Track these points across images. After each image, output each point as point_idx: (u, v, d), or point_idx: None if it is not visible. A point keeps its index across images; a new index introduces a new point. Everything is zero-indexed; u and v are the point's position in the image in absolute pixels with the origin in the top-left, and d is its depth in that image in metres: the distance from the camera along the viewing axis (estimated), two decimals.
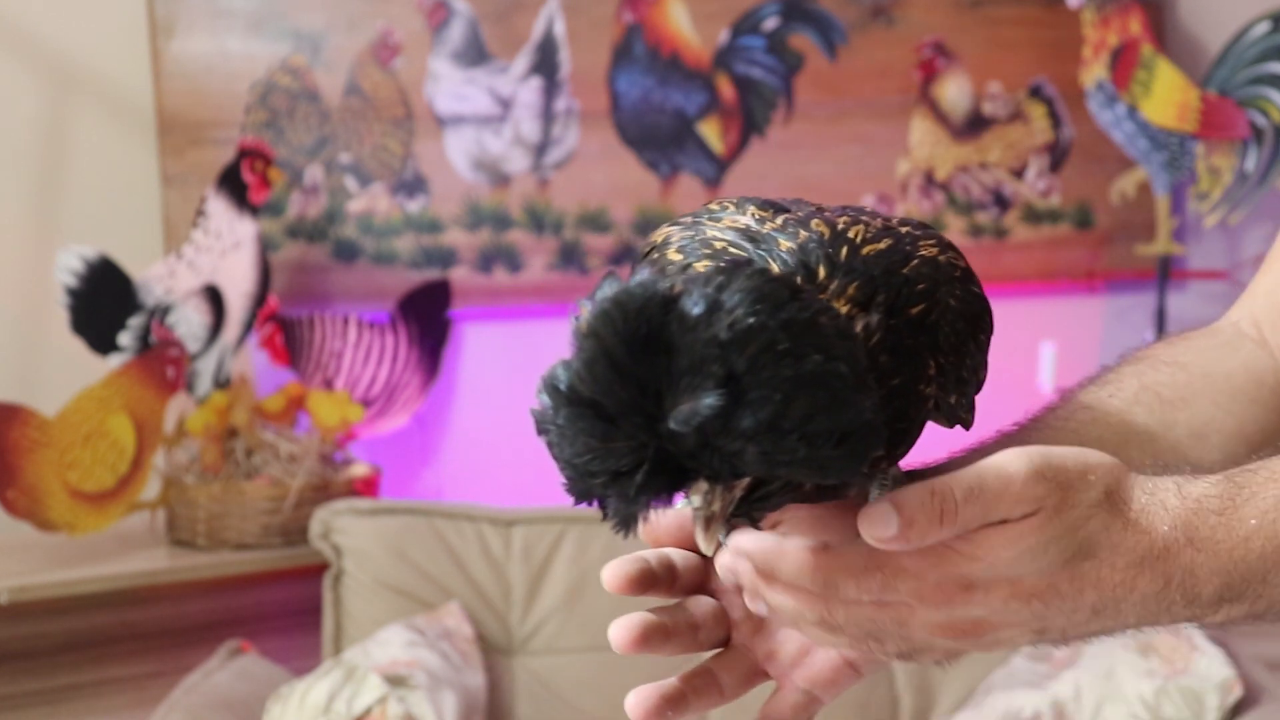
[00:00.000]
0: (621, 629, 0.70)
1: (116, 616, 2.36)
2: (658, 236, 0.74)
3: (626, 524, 0.63)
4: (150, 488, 2.49)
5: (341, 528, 2.40)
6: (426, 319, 2.76)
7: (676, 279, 0.60)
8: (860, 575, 0.65)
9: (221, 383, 2.52)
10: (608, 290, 0.60)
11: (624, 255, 2.86)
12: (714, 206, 0.73)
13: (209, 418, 2.47)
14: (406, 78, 2.80)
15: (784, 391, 0.58)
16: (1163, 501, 0.68)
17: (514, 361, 2.88)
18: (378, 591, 2.38)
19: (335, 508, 2.41)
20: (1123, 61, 2.82)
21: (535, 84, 2.83)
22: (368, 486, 2.58)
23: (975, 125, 2.96)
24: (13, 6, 2.66)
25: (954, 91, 2.94)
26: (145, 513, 2.52)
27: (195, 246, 2.53)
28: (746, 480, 0.61)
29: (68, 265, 2.42)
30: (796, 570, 0.65)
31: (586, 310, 0.60)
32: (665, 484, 0.60)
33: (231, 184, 2.52)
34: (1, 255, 2.65)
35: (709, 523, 0.62)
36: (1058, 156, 2.99)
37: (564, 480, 0.62)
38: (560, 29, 2.82)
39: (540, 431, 0.62)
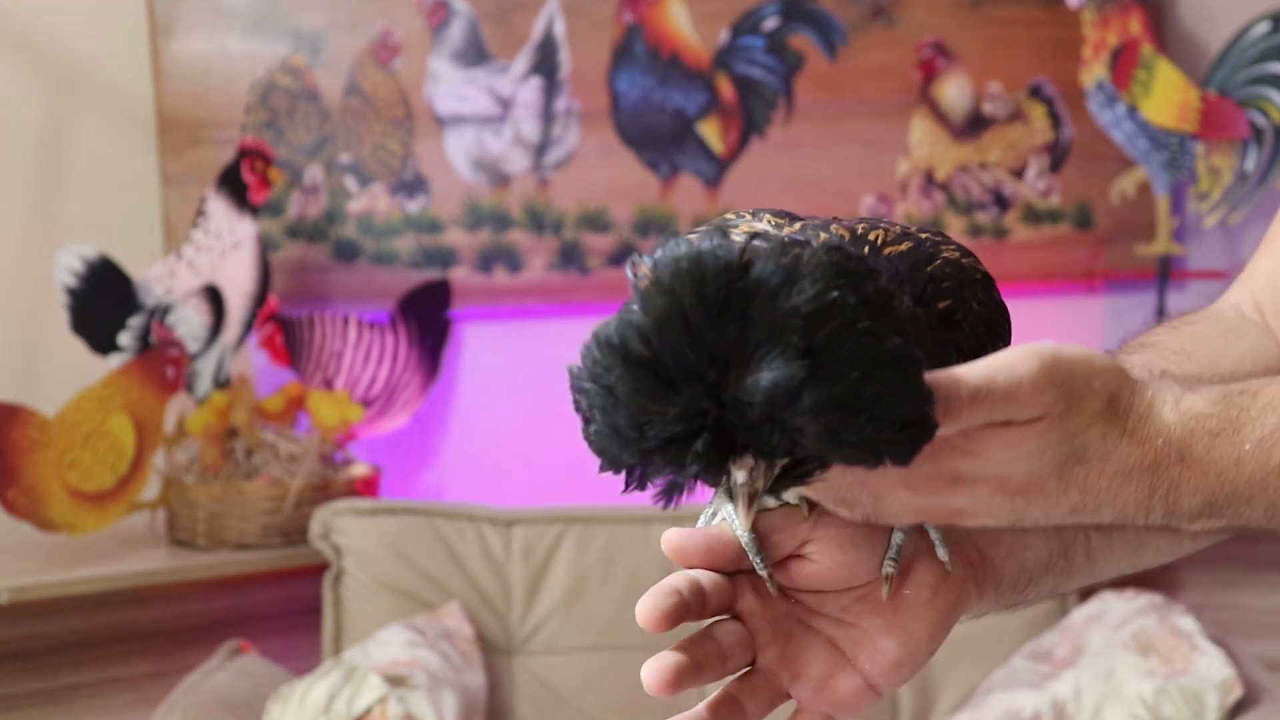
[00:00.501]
0: (654, 673, 0.68)
1: (116, 616, 2.36)
2: None
3: (673, 494, 0.61)
4: (150, 488, 2.49)
5: (341, 528, 2.40)
6: (426, 319, 2.76)
7: (747, 246, 0.58)
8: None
9: (221, 383, 2.52)
10: (681, 249, 0.58)
11: (624, 255, 2.86)
12: (730, 216, 0.73)
13: (209, 418, 2.47)
14: (406, 78, 2.80)
15: (861, 370, 0.57)
16: (1160, 414, 0.68)
17: (514, 361, 2.88)
18: (378, 591, 2.38)
19: (335, 508, 2.41)
20: (1123, 61, 2.82)
21: (535, 84, 2.83)
22: (368, 486, 2.58)
23: (975, 125, 2.96)
24: (13, 7, 2.66)
25: (954, 91, 2.94)
26: (145, 513, 2.52)
27: (195, 246, 2.53)
28: (787, 459, 0.60)
29: (68, 265, 2.42)
30: None
31: (652, 266, 0.58)
32: (717, 456, 0.59)
33: (231, 184, 2.52)
34: (1, 255, 2.65)
35: (751, 499, 0.60)
36: (1058, 156, 2.99)
37: (598, 444, 0.61)
38: (560, 29, 2.82)
39: (580, 391, 0.61)
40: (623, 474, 0.62)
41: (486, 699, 2.30)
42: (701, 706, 0.70)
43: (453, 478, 2.85)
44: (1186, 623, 2.16)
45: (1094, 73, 2.83)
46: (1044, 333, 2.89)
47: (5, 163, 2.65)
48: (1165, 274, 2.94)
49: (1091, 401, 0.66)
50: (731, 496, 0.61)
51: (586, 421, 0.62)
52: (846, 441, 0.58)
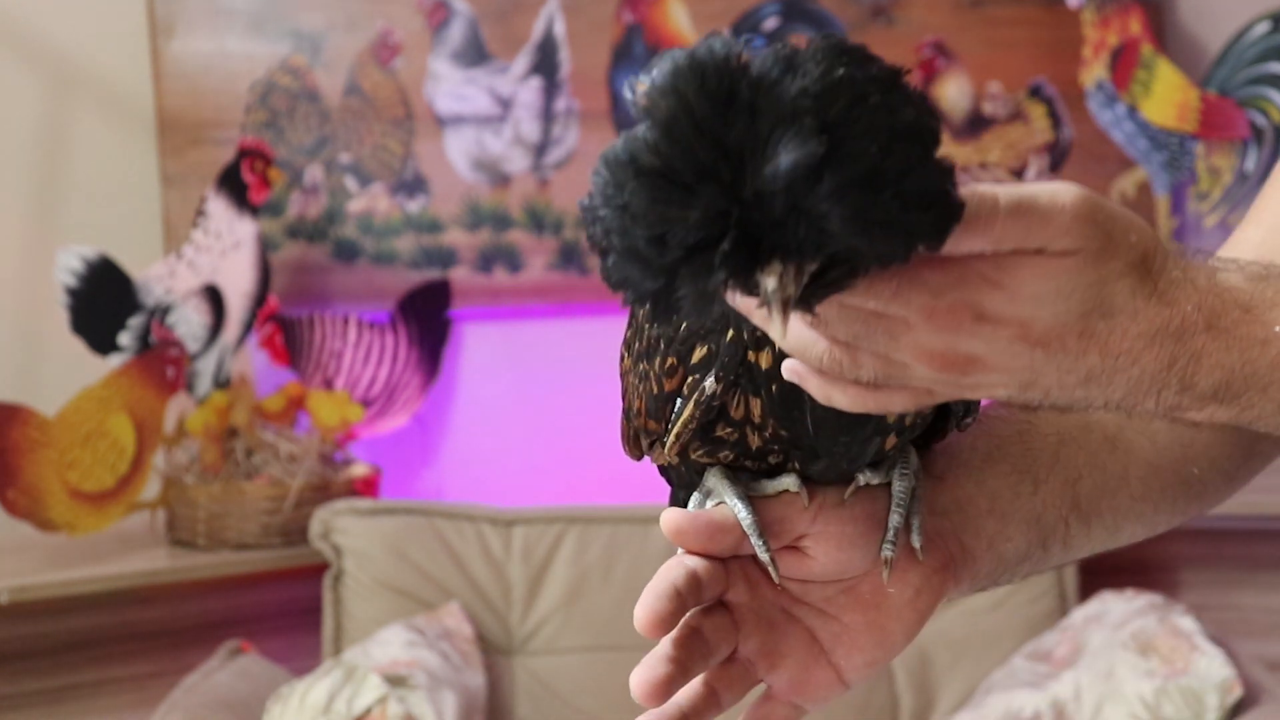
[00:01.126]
0: (643, 684, 0.67)
1: (116, 616, 2.36)
2: None
3: (704, 304, 0.58)
4: (150, 488, 2.49)
5: (341, 528, 2.40)
6: (426, 319, 2.76)
7: (742, 48, 0.56)
8: (874, 278, 0.60)
9: (221, 383, 2.52)
10: (678, 56, 0.56)
11: None
12: None
13: (209, 418, 2.47)
14: (406, 78, 2.80)
15: (880, 143, 0.55)
16: (1193, 281, 0.66)
17: (514, 361, 2.88)
18: (378, 591, 2.38)
19: (335, 508, 2.41)
20: (1123, 61, 2.82)
21: (535, 84, 2.83)
22: (368, 486, 2.58)
23: (975, 125, 2.96)
24: (13, 6, 2.66)
25: (954, 91, 2.94)
26: (145, 513, 2.52)
27: (195, 246, 2.53)
28: (817, 262, 0.57)
29: (68, 265, 2.42)
30: None
31: (651, 80, 0.56)
32: (745, 260, 0.56)
33: (231, 184, 2.52)
34: (1, 255, 2.65)
35: (785, 306, 0.57)
36: (1058, 156, 2.99)
37: (618, 274, 0.58)
38: (560, 29, 2.82)
39: (594, 220, 0.59)
40: (647, 303, 0.59)
41: (486, 699, 2.30)
42: (682, 699, 0.69)
43: (453, 478, 2.85)
44: (1186, 623, 2.16)
45: (1094, 73, 2.83)
46: None
47: (5, 163, 2.65)
48: None
49: (1126, 252, 0.63)
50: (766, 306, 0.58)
51: (604, 255, 0.59)
52: (875, 222, 0.55)
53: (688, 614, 0.69)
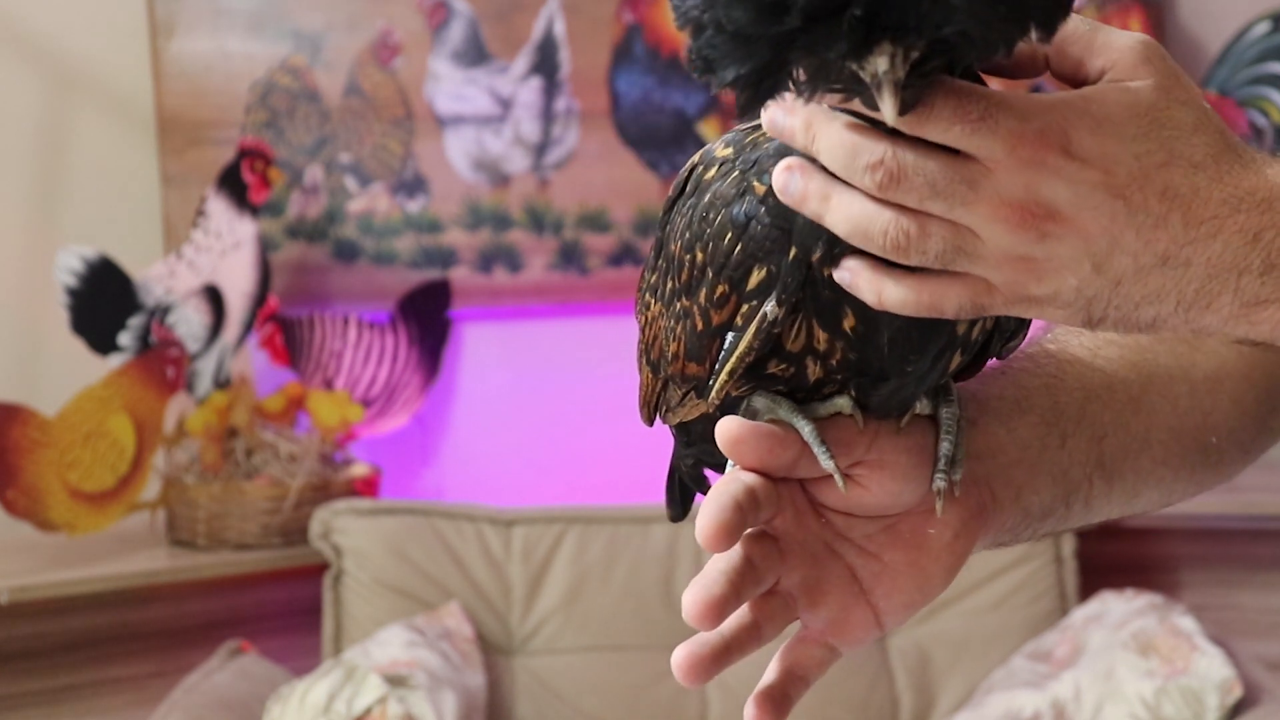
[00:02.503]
0: (698, 604, 0.65)
1: (116, 616, 2.36)
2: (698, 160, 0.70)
3: (823, 77, 0.57)
4: (150, 488, 2.49)
5: (341, 528, 2.40)
6: (426, 319, 2.76)
7: None
8: (963, 97, 0.58)
9: (221, 383, 2.52)
10: None
11: (624, 255, 2.86)
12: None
13: (209, 418, 2.47)
14: (406, 78, 2.80)
15: None
16: (1271, 158, 0.63)
17: (514, 361, 2.88)
18: (378, 591, 2.38)
19: (335, 508, 2.41)
20: None
21: (535, 84, 2.83)
22: (368, 486, 2.58)
23: None
24: (13, 6, 2.66)
25: None
26: (145, 513, 2.52)
27: (195, 246, 2.53)
28: (924, 45, 0.55)
29: (68, 265, 2.42)
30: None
31: None
32: (863, 34, 0.54)
33: (231, 184, 2.52)
34: (1, 255, 2.65)
35: (896, 88, 0.55)
36: None
37: (719, 47, 0.56)
38: (560, 29, 2.82)
39: (693, 7, 0.55)
40: (741, 86, 0.57)
41: (486, 699, 2.30)
42: (726, 626, 0.68)
43: (453, 478, 2.85)
44: (1186, 623, 2.16)
45: None
46: (1044, 332, 2.90)
47: (5, 163, 2.65)
48: None
49: (1199, 104, 0.62)
50: (875, 89, 0.56)
51: (697, 31, 0.56)
52: (995, 2, 0.54)
53: (745, 546, 0.67)
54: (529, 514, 2.48)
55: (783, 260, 0.64)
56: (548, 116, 2.84)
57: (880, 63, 0.55)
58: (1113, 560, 2.50)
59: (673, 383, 0.73)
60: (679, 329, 0.70)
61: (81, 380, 2.39)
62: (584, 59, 2.84)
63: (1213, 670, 2.04)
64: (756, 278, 0.65)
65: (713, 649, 0.67)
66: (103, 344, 2.46)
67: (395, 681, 2.06)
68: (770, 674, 0.70)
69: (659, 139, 2.87)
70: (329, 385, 2.67)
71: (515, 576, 2.44)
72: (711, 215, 0.66)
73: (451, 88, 2.81)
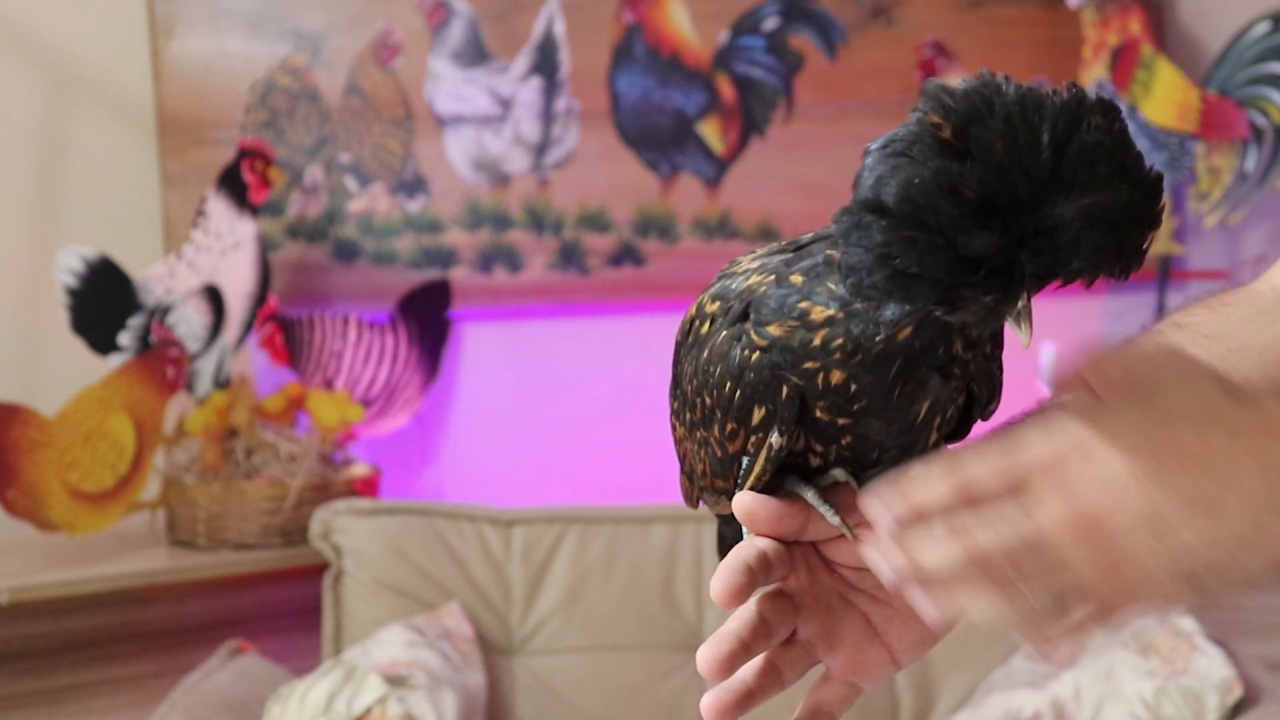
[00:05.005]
0: (711, 659, 0.72)
1: (116, 616, 2.36)
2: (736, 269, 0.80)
3: (989, 317, 0.68)
4: (150, 488, 2.49)
5: (341, 528, 2.40)
6: (426, 319, 2.76)
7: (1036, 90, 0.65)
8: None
9: (221, 383, 2.52)
10: (1010, 92, 0.65)
11: (624, 255, 2.86)
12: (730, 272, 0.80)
13: (209, 418, 2.47)
14: (406, 78, 2.80)
15: (1144, 190, 0.65)
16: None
17: (514, 361, 2.88)
18: (378, 591, 2.38)
19: (335, 508, 2.41)
20: (1123, 61, 2.82)
21: (535, 84, 2.83)
22: (368, 486, 2.58)
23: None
24: (13, 6, 2.66)
25: None
26: (145, 513, 2.52)
27: (195, 246, 2.53)
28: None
29: (68, 265, 2.42)
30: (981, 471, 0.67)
31: (955, 111, 0.64)
32: (1029, 282, 0.66)
33: (231, 184, 2.52)
34: (1, 255, 2.65)
35: (1030, 319, 0.68)
36: None
37: (894, 282, 0.66)
38: (560, 29, 2.82)
39: (902, 247, 0.65)
40: (919, 304, 0.67)
41: (486, 699, 2.30)
42: (747, 675, 0.75)
43: (453, 478, 2.85)
44: (1186, 623, 2.16)
45: (1094, 73, 2.83)
46: (1044, 332, 2.90)
47: (5, 163, 2.65)
48: (1165, 274, 2.94)
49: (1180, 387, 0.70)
50: (1015, 319, 0.68)
51: (880, 262, 0.66)
52: (1129, 252, 0.66)
53: (753, 597, 0.75)
54: (529, 514, 2.48)
55: (778, 399, 0.75)
56: (548, 116, 2.84)
57: (1021, 302, 0.68)
58: None
59: (706, 491, 0.84)
60: (703, 453, 0.81)
61: (81, 380, 2.39)
62: (584, 59, 2.84)
63: (1213, 670, 2.04)
64: (758, 415, 0.76)
65: (736, 694, 0.74)
66: (103, 344, 2.46)
67: (395, 681, 2.06)
68: (800, 711, 0.79)
69: (659, 139, 2.87)
70: (329, 385, 2.67)
71: (515, 576, 2.44)
72: (711, 368, 0.77)
73: (451, 88, 2.81)
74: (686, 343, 0.80)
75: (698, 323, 0.79)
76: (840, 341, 0.72)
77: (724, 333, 0.76)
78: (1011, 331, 0.71)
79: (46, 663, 2.31)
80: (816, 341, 0.72)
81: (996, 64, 2.95)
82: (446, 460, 2.87)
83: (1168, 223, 2.93)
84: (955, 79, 0.66)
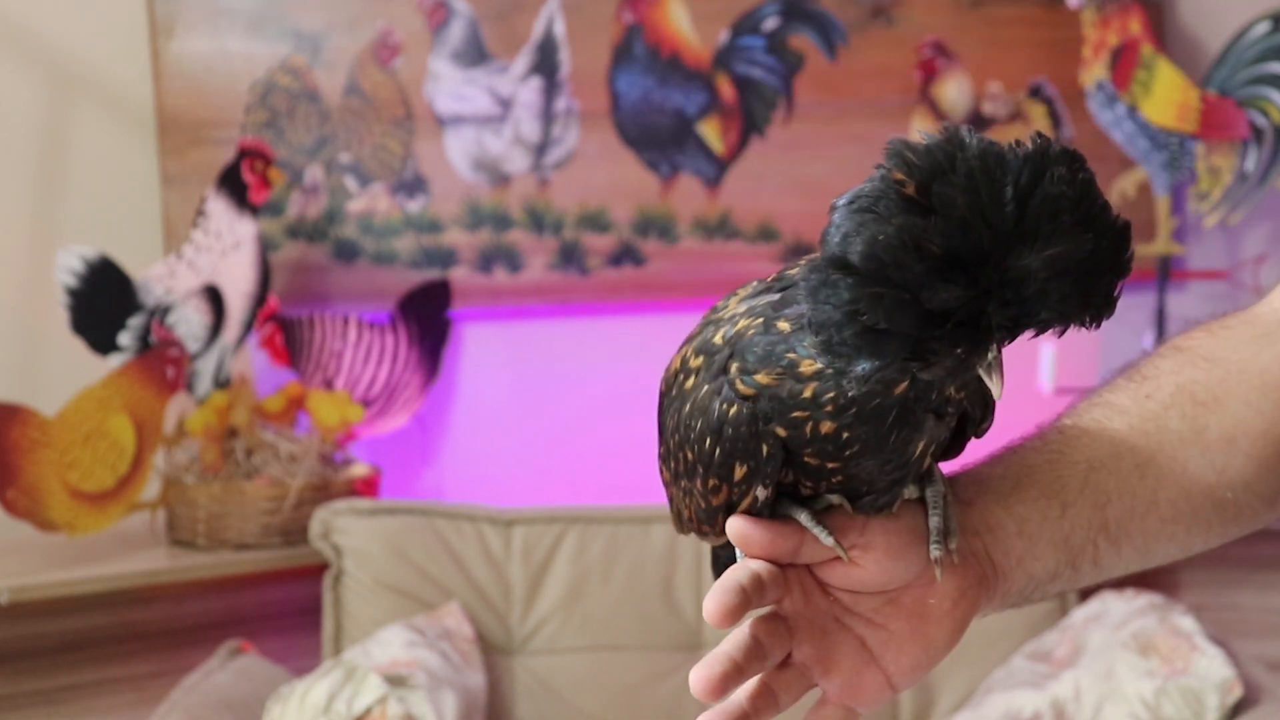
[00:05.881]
0: (703, 681, 0.73)
1: (116, 616, 2.36)
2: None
3: (960, 370, 0.69)
4: (150, 488, 2.48)
5: (341, 528, 2.40)
6: (426, 319, 2.76)
7: (993, 142, 0.66)
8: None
9: (221, 383, 2.52)
10: (973, 147, 0.65)
11: (624, 255, 2.86)
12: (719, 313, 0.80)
13: (209, 418, 2.47)
14: (406, 78, 2.80)
15: (1111, 239, 0.66)
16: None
17: (514, 361, 2.88)
18: (378, 591, 2.38)
19: (335, 508, 2.41)
20: (1123, 61, 2.81)
21: (535, 84, 2.83)
22: (368, 486, 2.58)
23: (975, 125, 2.96)
24: (13, 6, 2.66)
25: (954, 91, 2.94)
26: (145, 513, 2.52)
27: (195, 246, 2.52)
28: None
29: (68, 265, 2.42)
30: None
31: (917, 167, 0.65)
32: (998, 332, 0.68)
33: (231, 184, 2.52)
34: (1, 255, 2.65)
35: (1001, 369, 0.69)
36: None
37: (863, 339, 0.66)
38: (560, 29, 2.82)
39: (869, 303, 0.65)
40: (888, 360, 0.68)
41: (486, 699, 2.30)
42: (742, 697, 0.75)
43: (453, 478, 2.85)
44: (1186, 623, 2.16)
45: (1094, 73, 2.83)
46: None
47: (5, 163, 2.65)
48: (1165, 274, 2.94)
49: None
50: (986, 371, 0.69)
51: (848, 319, 0.67)
52: (1092, 303, 0.66)
53: (748, 621, 0.76)
54: (529, 514, 2.48)
55: (759, 456, 0.75)
56: (548, 116, 2.84)
57: (992, 351, 0.68)
58: None
59: (694, 533, 0.84)
60: (687, 501, 0.81)
61: (81, 380, 2.39)
62: (584, 59, 2.84)
63: (1213, 670, 2.04)
64: (740, 472, 0.76)
65: (731, 716, 0.75)
66: (103, 344, 2.46)
67: (395, 681, 2.06)
68: None
69: (659, 139, 2.87)
70: (329, 385, 2.67)
71: (515, 576, 2.44)
72: (693, 422, 0.77)
73: (451, 88, 2.81)
74: (670, 394, 0.80)
75: (681, 376, 0.79)
76: (832, 395, 0.72)
77: (705, 387, 0.76)
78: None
79: (46, 663, 2.31)
80: (807, 394, 0.72)
81: (996, 64, 2.96)
82: (446, 460, 2.87)
83: (1167, 223, 2.93)
84: (919, 133, 0.67)
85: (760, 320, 0.74)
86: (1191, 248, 3.03)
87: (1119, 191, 2.97)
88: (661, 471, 0.84)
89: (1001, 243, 0.64)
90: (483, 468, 2.85)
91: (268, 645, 2.38)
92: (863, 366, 0.69)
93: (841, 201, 0.67)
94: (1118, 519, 0.82)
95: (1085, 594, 2.42)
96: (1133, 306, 2.99)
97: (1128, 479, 0.83)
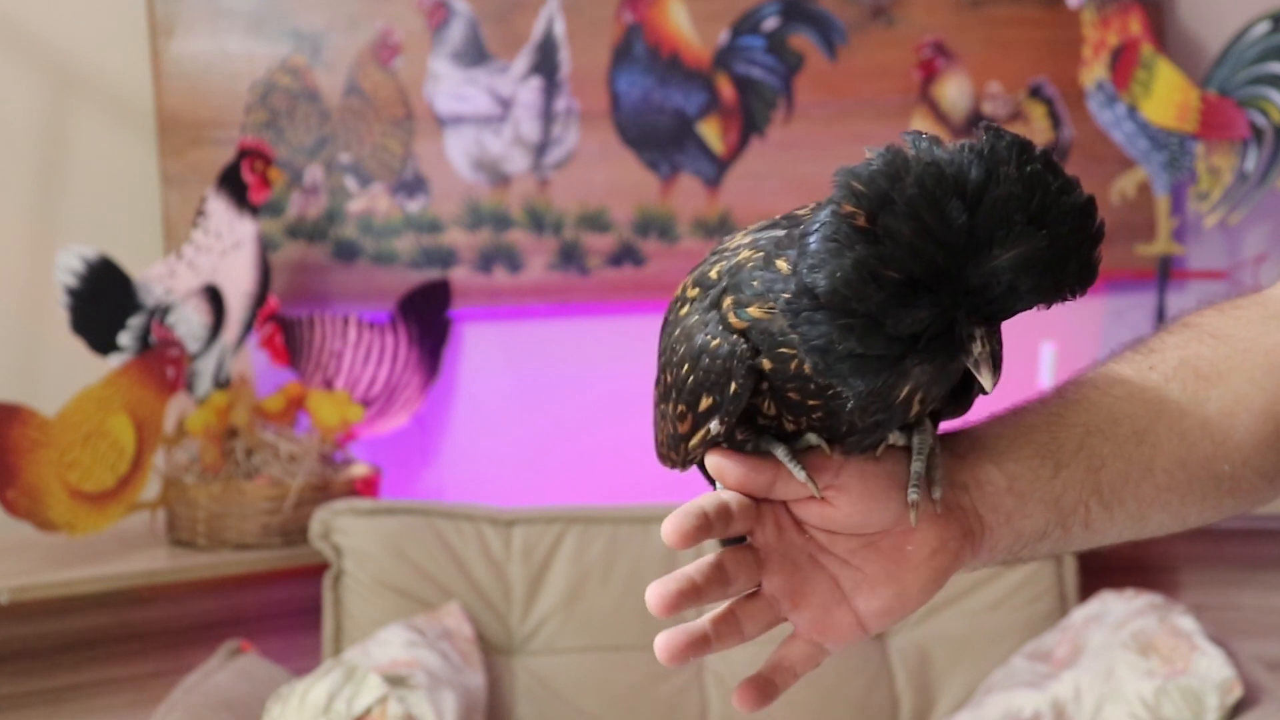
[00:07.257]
0: (657, 596, 0.74)
1: (116, 616, 2.36)
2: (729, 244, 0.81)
3: (945, 379, 0.73)
4: (150, 488, 2.48)
5: (341, 528, 2.40)
6: (426, 319, 2.76)
7: (935, 150, 0.67)
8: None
9: (221, 383, 2.52)
10: (913, 170, 0.66)
11: (624, 255, 2.86)
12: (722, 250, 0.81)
13: (209, 418, 2.47)
14: (406, 78, 2.80)
15: (1070, 224, 0.66)
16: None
17: (514, 361, 2.88)
18: (378, 591, 2.38)
19: (335, 508, 2.41)
20: (1123, 61, 2.81)
21: (535, 84, 2.83)
22: (368, 486, 2.58)
23: (975, 125, 2.96)
24: (13, 6, 2.66)
25: (954, 91, 2.94)
26: (145, 513, 2.52)
27: (195, 246, 2.53)
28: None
29: (68, 265, 2.42)
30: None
31: (861, 194, 0.66)
32: (968, 336, 0.69)
33: (231, 184, 2.52)
34: (1, 255, 2.65)
35: (996, 361, 0.70)
36: (1057, 156, 2.97)
37: (842, 366, 0.69)
38: (560, 29, 2.82)
39: (841, 334, 0.68)
40: (876, 381, 0.71)
41: (486, 699, 2.29)
42: (705, 620, 0.76)
43: (453, 478, 2.85)
44: (1186, 623, 2.16)
45: (1094, 73, 2.83)
46: (1044, 332, 2.90)
47: (5, 163, 2.65)
48: (1165, 274, 2.94)
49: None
50: (975, 365, 0.70)
51: (828, 347, 0.69)
52: (1063, 287, 0.67)
53: (719, 552, 0.77)
54: (529, 514, 2.48)
55: (726, 392, 0.76)
56: (548, 116, 2.84)
57: (976, 348, 0.69)
58: (1112, 560, 2.50)
59: (662, 458, 0.86)
60: (663, 425, 0.84)
61: (81, 380, 2.39)
62: (584, 59, 2.84)
63: (1213, 670, 2.04)
64: (705, 403, 0.78)
65: (691, 636, 0.75)
66: (103, 344, 2.46)
67: (395, 681, 2.06)
68: (763, 666, 0.79)
69: (659, 139, 2.87)
70: (329, 385, 2.67)
71: (515, 576, 2.44)
72: (678, 346, 0.79)
73: (451, 88, 2.81)
74: (669, 319, 0.83)
75: (679, 305, 0.82)
76: None
77: (695, 318, 0.78)
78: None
79: (46, 663, 2.31)
80: (795, 334, 0.73)
81: (996, 64, 2.96)
82: (446, 460, 2.87)
83: (1167, 223, 2.93)
84: (866, 150, 0.68)
85: (761, 255, 0.75)
86: (1191, 248, 3.03)
87: (1119, 191, 2.97)
88: (655, 392, 0.86)
89: (957, 258, 0.65)
90: (483, 468, 2.85)
91: (268, 645, 2.38)
92: (857, 387, 0.71)
93: (812, 231, 0.68)
94: (1111, 484, 0.82)
95: (1085, 594, 2.42)
96: (1133, 306, 2.99)
97: (1124, 445, 0.83)
